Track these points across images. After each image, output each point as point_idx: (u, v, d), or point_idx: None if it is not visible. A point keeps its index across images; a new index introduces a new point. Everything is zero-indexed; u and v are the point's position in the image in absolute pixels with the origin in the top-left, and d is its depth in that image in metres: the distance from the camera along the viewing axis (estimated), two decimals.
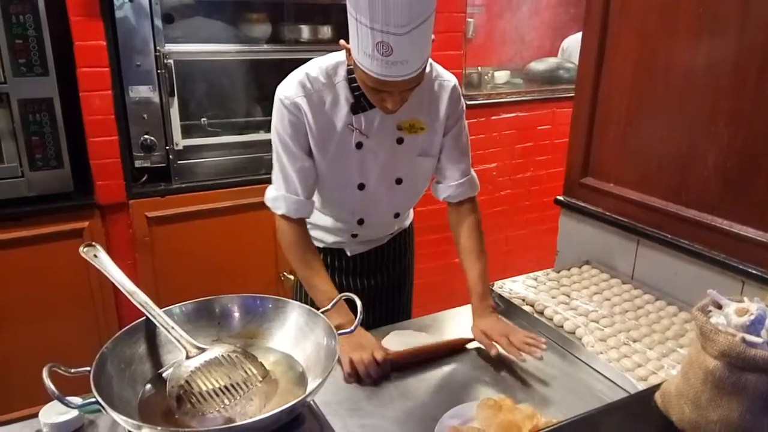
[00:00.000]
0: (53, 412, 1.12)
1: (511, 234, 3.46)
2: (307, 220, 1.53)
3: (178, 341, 1.04)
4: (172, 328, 1.06)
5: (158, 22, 2.24)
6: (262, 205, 2.49)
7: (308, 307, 1.16)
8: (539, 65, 3.58)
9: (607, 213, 1.82)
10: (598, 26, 1.77)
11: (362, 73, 1.23)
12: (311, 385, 1.02)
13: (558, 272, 1.82)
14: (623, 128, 1.76)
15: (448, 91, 1.46)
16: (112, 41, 2.18)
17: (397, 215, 1.59)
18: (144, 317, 1.10)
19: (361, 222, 1.56)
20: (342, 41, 1.28)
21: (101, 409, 0.98)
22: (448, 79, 1.48)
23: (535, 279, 1.78)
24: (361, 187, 1.48)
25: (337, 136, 1.41)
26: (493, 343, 1.39)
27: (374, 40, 1.13)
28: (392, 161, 1.47)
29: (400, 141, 1.45)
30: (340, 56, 1.39)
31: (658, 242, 1.67)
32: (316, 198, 1.54)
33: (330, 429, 0.98)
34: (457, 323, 1.59)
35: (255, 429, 0.92)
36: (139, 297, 1.10)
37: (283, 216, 1.45)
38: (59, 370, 0.93)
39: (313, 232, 1.61)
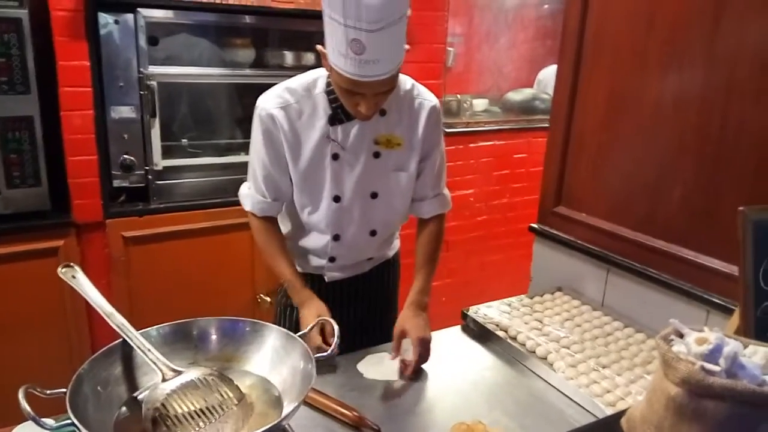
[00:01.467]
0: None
1: (486, 259, 3.51)
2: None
3: (155, 364, 1.05)
4: (149, 350, 1.06)
5: (143, 44, 2.26)
6: (240, 227, 2.51)
7: (285, 330, 1.17)
8: (516, 96, 3.68)
9: (579, 241, 1.87)
10: (572, 62, 1.84)
11: (337, 76, 1.28)
12: (287, 409, 1.03)
13: (531, 298, 1.86)
14: (594, 159, 1.82)
15: (427, 110, 1.52)
16: (96, 62, 2.19)
17: (373, 233, 1.60)
18: (120, 339, 1.10)
19: (336, 238, 1.57)
20: (319, 46, 1.32)
21: (76, 430, 0.98)
22: (429, 99, 1.53)
23: (509, 305, 1.82)
24: (337, 199, 1.51)
25: (314, 146, 1.46)
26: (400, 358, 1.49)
27: (347, 37, 1.19)
28: (368, 175, 1.50)
29: (376, 155, 1.49)
30: (321, 71, 1.45)
31: (627, 271, 1.72)
32: (290, 216, 1.60)
33: None
34: (438, 345, 1.62)
35: None
36: (116, 319, 1.10)
37: (250, 212, 1.58)
38: (35, 392, 0.93)
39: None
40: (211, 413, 0.99)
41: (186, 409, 0.98)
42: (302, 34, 2.66)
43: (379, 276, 1.74)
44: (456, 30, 3.50)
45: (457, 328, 1.73)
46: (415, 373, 1.46)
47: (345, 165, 1.48)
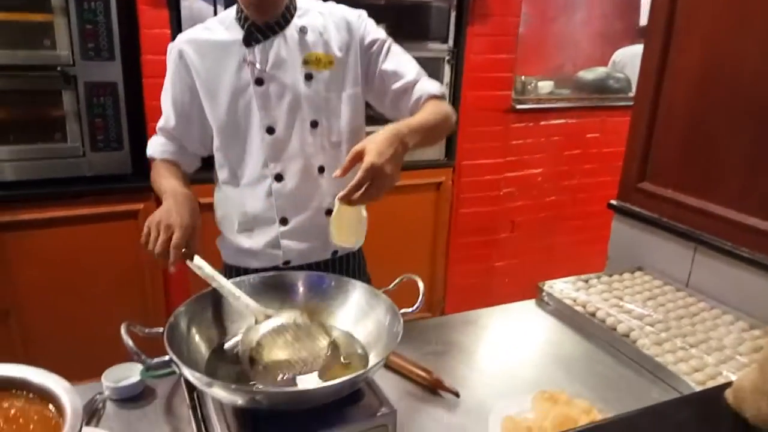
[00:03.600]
0: (114, 376, 1.16)
1: (554, 240, 3.43)
2: (228, 236, 1.53)
3: (248, 307, 1.06)
4: (239, 297, 1.08)
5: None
6: None
7: (369, 286, 1.17)
8: (588, 74, 3.56)
9: (664, 219, 1.78)
10: (663, 28, 1.75)
11: None
12: (372, 362, 1.03)
13: (610, 276, 1.80)
14: (685, 132, 1.73)
15: (356, 18, 1.41)
16: (177, 30, 2.25)
17: (321, 169, 1.42)
18: (210, 288, 1.12)
19: (279, 178, 1.40)
20: None
21: (166, 373, 1.01)
22: (352, 10, 1.43)
23: (586, 281, 1.76)
24: (271, 131, 1.37)
25: (232, 75, 1.35)
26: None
27: None
28: (302, 101, 1.37)
29: (308, 77, 1.37)
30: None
31: (716, 250, 1.63)
32: (224, 198, 1.52)
33: (389, 406, 0.98)
34: (512, 317, 1.60)
35: (318, 396, 0.93)
36: (205, 271, 1.12)
37: (151, 158, 1.49)
38: (134, 330, 0.96)
39: (240, 254, 1.51)
40: (303, 357, 0.99)
41: (279, 351, 0.99)
42: None
43: (344, 268, 1.56)
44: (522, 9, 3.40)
45: (531, 302, 1.69)
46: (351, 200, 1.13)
47: (272, 91, 1.35)
